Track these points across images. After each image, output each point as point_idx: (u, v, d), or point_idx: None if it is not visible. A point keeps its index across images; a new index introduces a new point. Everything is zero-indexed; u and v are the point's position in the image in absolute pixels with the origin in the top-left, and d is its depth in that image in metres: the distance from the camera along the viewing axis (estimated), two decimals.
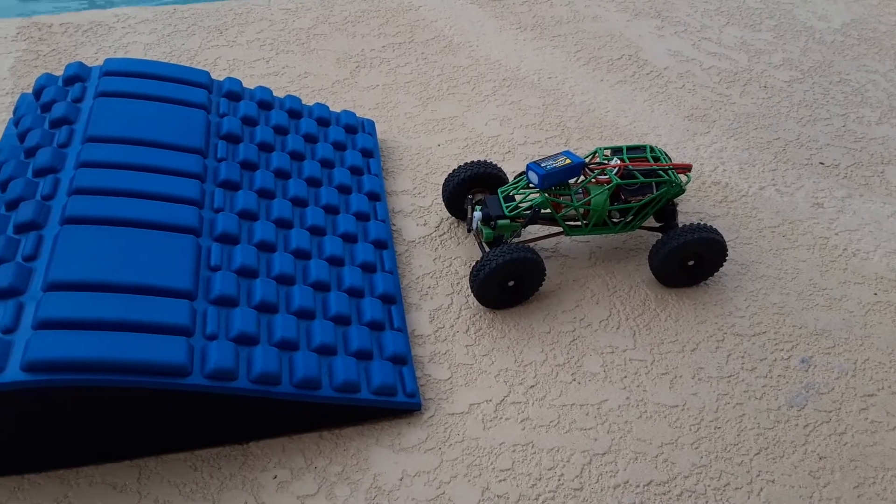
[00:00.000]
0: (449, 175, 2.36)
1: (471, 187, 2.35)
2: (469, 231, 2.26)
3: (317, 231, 2.13)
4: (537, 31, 3.38)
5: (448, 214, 2.48)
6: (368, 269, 2.13)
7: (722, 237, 2.18)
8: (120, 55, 2.99)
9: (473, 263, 2.32)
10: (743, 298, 2.28)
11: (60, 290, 1.59)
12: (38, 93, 2.21)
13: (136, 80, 2.20)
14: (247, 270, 1.86)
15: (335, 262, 2.07)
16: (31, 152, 1.93)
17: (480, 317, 2.18)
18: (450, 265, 2.34)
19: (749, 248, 2.44)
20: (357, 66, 3.09)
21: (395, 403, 1.87)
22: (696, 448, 1.91)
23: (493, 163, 2.41)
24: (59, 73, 2.90)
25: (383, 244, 2.25)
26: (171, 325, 1.62)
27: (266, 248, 1.97)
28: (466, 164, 2.35)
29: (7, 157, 1.94)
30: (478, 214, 2.20)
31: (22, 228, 1.71)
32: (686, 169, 2.23)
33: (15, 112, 2.21)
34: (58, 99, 2.13)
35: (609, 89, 3.07)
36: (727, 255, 2.23)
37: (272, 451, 1.82)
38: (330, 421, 1.84)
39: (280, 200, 2.12)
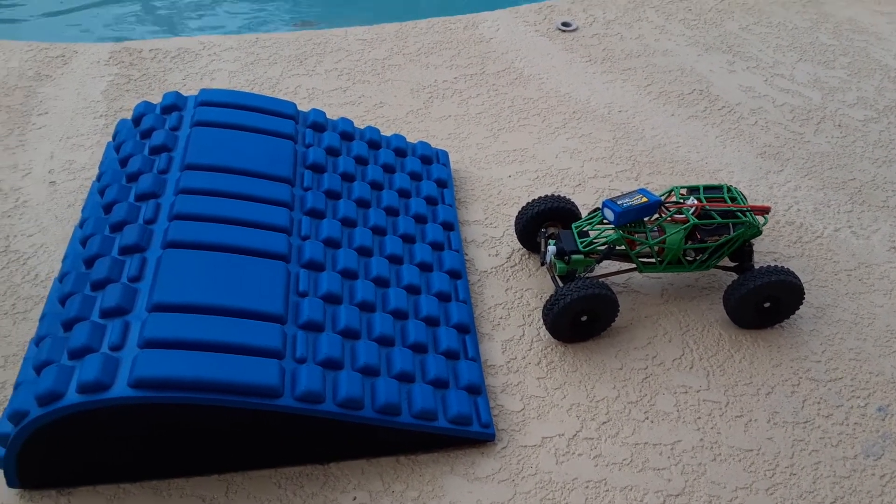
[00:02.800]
0: (523, 208, 2.41)
1: (544, 221, 2.39)
2: (542, 264, 2.29)
3: (395, 260, 2.19)
4: (607, 64, 3.41)
5: (519, 245, 2.52)
6: (444, 298, 2.18)
7: (799, 280, 2.17)
8: (206, 82, 3.12)
9: (546, 296, 2.36)
10: (819, 342, 2.26)
11: (164, 311, 1.68)
12: (136, 120, 2.33)
13: (229, 111, 2.31)
14: (332, 297, 1.93)
15: (412, 290, 2.13)
16: (132, 177, 2.05)
17: (552, 349, 2.21)
18: (521, 297, 2.37)
19: (825, 291, 2.41)
20: (430, 97, 3.17)
21: (471, 433, 1.90)
22: (771, 494, 1.90)
23: (567, 197, 2.45)
24: (148, 97, 3.04)
25: (457, 274, 2.30)
26: (265, 349, 1.70)
27: (349, 275, 2.04)
28: (541, 197, 2.39)
29: (110, 181, 2.06)
30: (552, 249, 2.24)
31: (126, 251, 1.82)
32: (764, 211, 2.24)
33: (115, 137, 2.33)
34: (156, 127, 2.24)
35: (680, 124, 3.09)
36: (804, 299, 2.22)
37: (351, 473, 1.87)
38: (406, 447, 1.89)
39: (361, 229, 2.19)
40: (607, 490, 1.88)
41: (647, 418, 2.04)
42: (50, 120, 2.92)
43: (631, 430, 2.01)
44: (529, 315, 2.31)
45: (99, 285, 1.75)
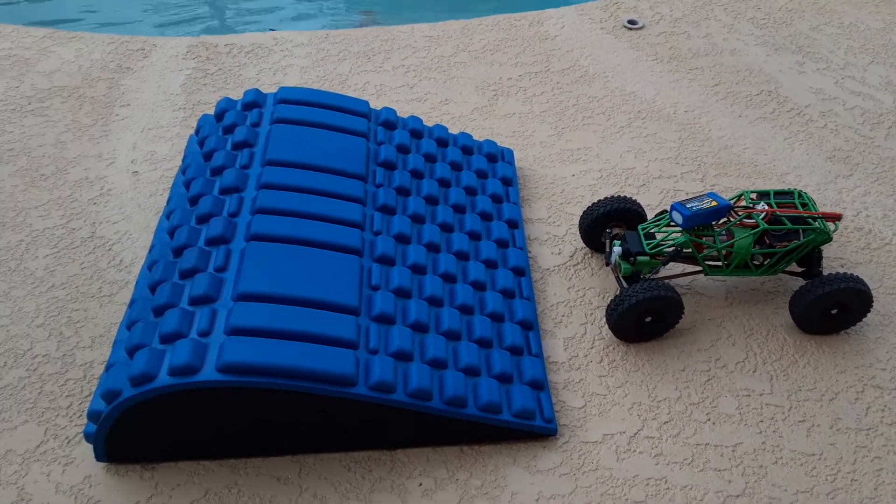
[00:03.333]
0: (589, 207, 2.44)
1: (609, 221, 2.41)
2: (607, 264, 2.32)
3: (462, 256, 2.25)
4: (674, 63, 3.40)
5: (582, 244, 2.55)
6: (508, 294, 2.23)
7: (869, 289, 2.15)
8: (279, 77, 3.22)
9: (608, 296, 2.39)
10: (885, 350, 2.24)
11: (248, 300, 1.77)
12: (219, 115, 2.44)
13: (306, 108, 2.39)
14: (402, 291, 2.01)
15: (478, 286, 2.18)
16: (216, 171, 2.15)
17: (614, 349, 2.24)
18: (583, 295, 2.40)
19: (892, 298, 2.38)
20: (495, 94, 3.21)
21: (534, 427, 1.96)
22: (833, 499, 1.91)
23: (632, 198, 2.47)
24: (224, 91, 3.16)
25: (521, 271, 2.35)
26: (341, 339, 1.78)
27: (418, 270, 2.11)
28: (607, 198, 2.41)
29: (195, 175, 2.17)
30: (617, 249, 2.26)
31: (212, 242, 1.93)
32: (835, 218, 2.22)
33: (198, 131, 2.45)
34: (238, 123, 2.35)
35: (748, 126, 3.07)
36: (872, 306, 2.20)
37: (417, 460, 1.94)
38: (470, 438, 1.96)
39: (430, 225, 2.26)
40: (668, 488, 1.91)
41: (708, 420, 2.06)
42: (132, 111, 3.05)
43: (692, 430, 2.03)
44: (591, 314, 2.34)
45: (187, 274, 1.85)
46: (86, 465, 1.89)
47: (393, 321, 1.92)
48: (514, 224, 2.51)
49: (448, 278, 2.15)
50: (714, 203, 2.16)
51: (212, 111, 2.98)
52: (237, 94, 3.12)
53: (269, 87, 3.19)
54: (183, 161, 2.45)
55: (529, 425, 1.94)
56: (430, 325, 1.99)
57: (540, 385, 2.05)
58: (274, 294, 1.79)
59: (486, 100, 3.19)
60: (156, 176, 2.73)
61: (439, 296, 2.07)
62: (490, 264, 2.29)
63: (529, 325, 2.20)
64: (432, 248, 2.21)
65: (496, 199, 2.57)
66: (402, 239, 2.16)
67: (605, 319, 2.27)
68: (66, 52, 3.34)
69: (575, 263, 2.50)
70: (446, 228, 2.31)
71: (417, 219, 2.27)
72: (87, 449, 1.91)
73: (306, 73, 3.27)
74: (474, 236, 2.36)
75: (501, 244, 2.40)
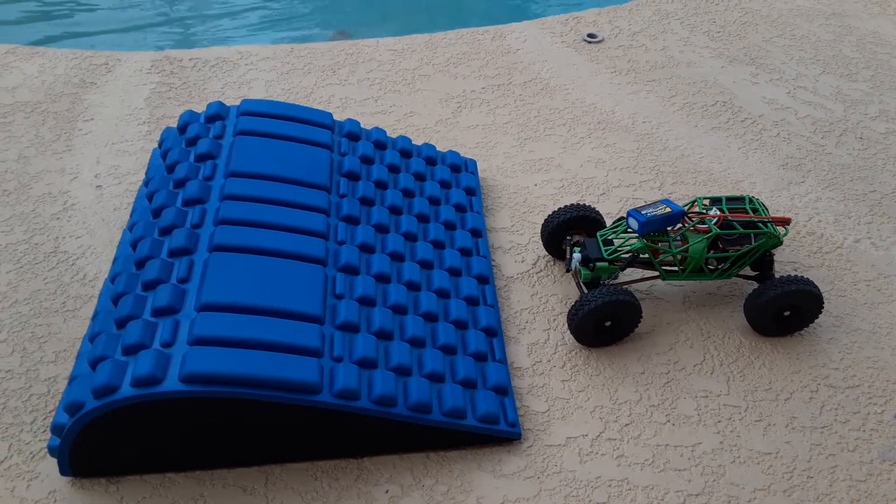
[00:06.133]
0: (549, 216, 2.49)
1: (569, 228, 2.47)
2: (567, 271, 2.37)
3: (426, 265, 2.28)
4: (632, 75, 3.49)
5: (545, 252, 2.61)
6: (472, 302, 2.27)
7: (819, 290, 2.23)
8: (244, 90, 3.24)
9: (570, 302, 2.44)
10: (837, 351, 2.32)
11: (211, 310, 1.78)
12: (182, 128, 2.45)
13: (269, 120, 2.42)
14: (366, 299, 2.03)
15: (442, 294, 2.22)
16: (179, 183, 2.17)
17: (576, 353, 2.29)
18: (546, 301, 2.45)
19: (843, 300, 2.47)
20: (459, 107, 3.26)
21: (498, 431, 1.99)
22: (789, 496, 1.96)
23: (592, 206, 2.53)
24: (189, 104, 3.17)
25: (485, 279, 2.39)
26: (305, 347, 1.80)
27: (382, 279, 2.14)
28: (566, 206, 2.47)
29: (158, 187, 2.18)
30: (577, 256, 2.32)
31: (175, 253, 1.94)
32: (785, 222, 2.30)
33: (161, 144, 2.45)
34: (201, 135, 2.36)
35: (703, 135, 3.15)
36: (823, 308, 2.28)
37: (384, 467, 1.96)
38: (435, 444, 1.98)
39: (394, 235, 2.29)
40: (629, 489, 1.96)
41: (668, 421, 2.11)
42: (95, 126, 3.05)
43: (653, 432, 2.08)
44: (554, 320, 2.39)
45: (150, 286, 1.86)
46: (50, 481, 1.88)
47: (357, 329, 1.95)
48: (477, 233, 2.56)
49: (412, 286, 2.19)
50: (668, 209, 2.23)
51: (176, 125, 2.98)
52: (202, 108, 3.13)
53: (234, 101, 3.20)
54: (146, 174, 2.46)
55: (493, 430, 1.98)
56: (395, 333, 2.02)
57: (504, 390, 2.08)
58: (237, 304, 1.81)
59: (450, 112, 3.24)
60: (120, 190, 2.73)
61: (403, 304, 2.10)
62: (454, 272, 2.33)
63: (493, 332, 2.23)
64: (396, 257, 2.24)
65: (460, 209, 2.61)
66: (366, 248, 2.19)
67: (566, 325, 2.33)
68: (29, 68, 3.33)
69: (538, 271, 2.55)
70: (410, 238, 2.35)
71: (381, 228, 2.30)
72: (52, 464, 1.90)
73: (271, 87, 3.29)
74: (438, 245, 2.39)
75: (465, 252, 2.44)
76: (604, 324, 2.22)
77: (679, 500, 1.94)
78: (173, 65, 3.39)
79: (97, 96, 3.20)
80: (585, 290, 2.29)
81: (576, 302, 2.22)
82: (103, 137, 2.99)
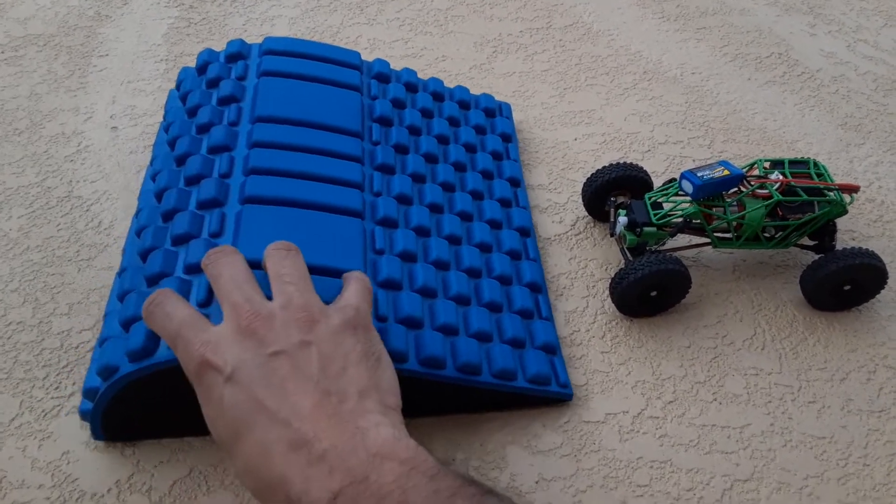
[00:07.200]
0: (592, 175, 2.31)
1: (614, 189, 2.30)
2: (611, 235, 2.21)
3: (465, 217, 2.11)
4: (681, 21, 3.25)
5: (584, 213, 2.44)
6: (515, 256, 2.10)
7: (884, 265, 2.06)
8: (266, 27, 3.05)
9: (611, 268, 2.28)
10: None
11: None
12: (201, 68, 2.27)
13: (294, 60, 2.23)
14: (407, 255, 1.87)
15: (484, 248, 2.05)
16: (202, 129, 1.99)
17: (617, 324, 2.15)
18: (585, 266, 2.30)
19: None
20: (494, 52, 3.05)
21: (550, 392, 1.86)
22: (843, 484, 1.84)
23: (639, 165, 2.35)
24: (209, 41, 2.98)
25: (526, 232, 2.22)
26: None
27: (422, 232, 1.97)
28: (612, 164, 2.29)
29: (180, 132, 2.01)
30: (622, 220, 2.15)
31: (205, 205, 1.77)
32: (853, 189, 2.12)
33: (179, 86, 2.28)
34: (222, 76, 2.18)
35: (757, 89, 2.94)
36: (886, 283, 2.11)
37: (417, 440, 1.86)
38: (482, 405, 1.86)
39: (431, 185, 2.12)
40: (672, 471, 1.84)
41: (715, 399, 1.98)
42: (111, 62, 2.88)
43: (698, 410, 1.96)
44: (594, 286, 2.24)
45: (180, 240, 1.71)
46: (63, 441, 1.78)
47: (400, 287, 1.79)
48: (515, 182, 2.38)
49: (453, 240, 2.02)
50: (726, 172, 2.05)
51: (194, 64, 2.81)
52: (222, 46, 2.94)
53: (255, 38, 3.00)
54: (165, 117, 2.29)
55: (545, 391, 1.85)
56: (439, 290, 1.88)
57: (553, 349, 1.94)
58: None
59: (484, 57, 3.03)
60: (136, 132, 2.57)
61: (446, 259, 1.93)
62: (495, 224, 2.16)
63: (538, 288, 2.08)
64: (435, 208, 2.06)
65: (496, 157, 2.43)
66: (403, 200, 2.02)
67: (608, 293, 2.18)
68: None
69: (577, 233, 2.39)
70: (448, 188, 2.17)
71: (418, 178, 2.12)
72: (65, 423, 1.80)
73: (295, 25, 3.09)
74: (476, 196, 2.21)
75: (504, 203, 2.26)
76: (649, 293, 2.07)
77: (726, 486, 1.82)
78: None
79: (113, 30, 3.02)
80: (630, 257, 2.14)
81: (620, 269, 2.06)
82: (119, 75, 2.82)
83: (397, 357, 1.65)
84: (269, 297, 1.29)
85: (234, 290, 1.16)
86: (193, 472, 1.71)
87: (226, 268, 1.21)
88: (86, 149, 2.52)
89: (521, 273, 2.10)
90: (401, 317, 1.74)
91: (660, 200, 2.15)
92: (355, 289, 1.29)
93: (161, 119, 2.59)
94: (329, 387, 0.99)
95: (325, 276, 1.66)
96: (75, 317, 2.02)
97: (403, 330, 1.71)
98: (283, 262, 1.24)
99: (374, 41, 3.05)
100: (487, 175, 2.35)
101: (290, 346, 1.02)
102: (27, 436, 1.79)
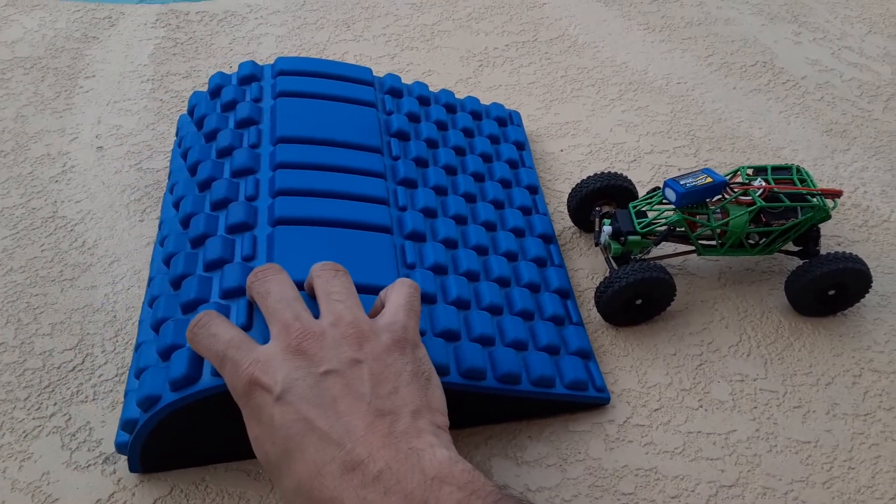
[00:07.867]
0: (577, 185, 2.31)
1: (599, 199, 2.30)
2: (596, 244, 2.21)
3: (489, 226, 2.12)
4: (666, 32, 3.27)
5: (570, 223, 2.44)
6: (541, 263, 2.12)
7: (868, 269, 2.06)
8: (253, 46, 3.07)
9: (597, 277, 2.28)
10: (882, 332, 2.16)
11: None
12: (214, 92, 2.24)
13: (309, 79, 2.21)
14: (439, 267, 1.87)
15: (511, 257, 2.06)
16: (223, 153, 1.99)
17: (603, 332, 2.14)
18: (572, 277, 2.29)
19: (891, 278, 2.30)
20: (480, 65, 3.07)
21: (588, 398, 1.87)
22: (828, 488, 1.83)
23: (623, 174, 2.35)
24: (196, 61, 3.00)
25: (549, 238, 2.22)
26: None
27: (450, 244, 1.97)
28: (597, 174, 2.29)
29: (200, 157, 2.01)
30: (607, 229, 2.15)
31: (235, 229, 1.76)
32: (835, 195, 2.12)
33: (192, 111, 2.24)
34: (238, 99, 2.17)
35: (742, 98, 2.95)
36: (871, 287, 2.11)
37: None
38: (520, 413, 1.86)
39: (454, 196, 2.12)
40: (658, 478, 1.83)
41: (700, 406, 1.97)
42: (97, 83, 2.90)
43: (684, 418, 1.95)
44: (580, 296, 2.23)
45: (214, 265, 1.69)
46: (44, 461, 1.78)
47: (435, 300, 1.78)
48: (533, 189, 2.38)
49: (480, 251, 2.02)
50: (709, 179, 2.05)
51: (182, 82, 2.83)
52: (208, 65, 2.96)
53: (242, 57, 3.03)
54: (180, 143, 2.25)
55: (583, 396, 1.85)
56: (472, 301, 1.88)
57: (587, 354, 1.94)
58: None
59: (471, 70, 3.05)
60: (121, 152, 2.58)
61: (476, 270, 1.93)
62: (518, 233, 2.16)
63: (566, 293, 2.08)
64: (460, 220, 2.07)
65: (512, 165, 2.42)
66: (428, 213, 2.01)
67: (593, 303, 2.17)
68: (28, 21, 3.17)
69: (563, 243, 2.39)
70: (469, 198, 2.16)
71: (440, 191, 2.12)
72: (45, 443, 1.80)
73: (282, 43, 3.11)
74: (498, 205, 2.21)
75: (525, 211, 2.26)
76: (634, 302, 2.07)
77: (711, 492, 1.81)
78: (179, 19, 3.22)
79: (99, 51, 3.04)
80: (615, 266, 2.13)
81: (604, 279, 2.06)
82: (105, 95, 2.84)
83: (439, 370, 1.63)
84: (316, 316, 1.26)
85: (283, 308, 1.12)
86: (175, 491, 1.70)
87: (274, 285, 1.21)
88: (71, 169, 2.53)
89: (549, 280, 2.11)
90: (438, 330, 1.72)
91: (644, 209, 2.16)
92: (401, 303, 1.28)
93: (146, 139, 2.59)
94: (382, 406, 0.97)
95: (363, 294, 1.65)
96: (57, 337, 2.02)
97: (442, 343, 1.69)
98: (333, 280, 1.23)
99: (360, 57, 3.07)
100: (506, 184, 2.36)
101: (342, 365, 1.00)
102: (7, 457, 1.78)
